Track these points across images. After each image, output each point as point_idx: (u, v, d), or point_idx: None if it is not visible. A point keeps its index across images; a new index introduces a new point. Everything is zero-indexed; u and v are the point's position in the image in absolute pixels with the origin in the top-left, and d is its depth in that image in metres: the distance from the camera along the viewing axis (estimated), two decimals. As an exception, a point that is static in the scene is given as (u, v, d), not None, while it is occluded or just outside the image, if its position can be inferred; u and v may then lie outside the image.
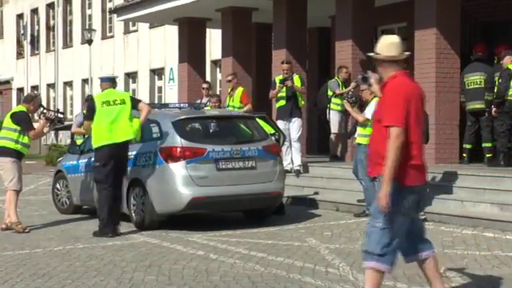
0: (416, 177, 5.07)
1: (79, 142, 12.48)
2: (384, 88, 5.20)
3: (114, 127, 9.48)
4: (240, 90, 13.94)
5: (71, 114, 33.00)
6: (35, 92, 21.87)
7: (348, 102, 10.85)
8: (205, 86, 15.04)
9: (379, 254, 5.09)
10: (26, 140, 10.04)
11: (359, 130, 10.44)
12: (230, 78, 14.45)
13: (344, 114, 13.92)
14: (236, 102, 13.78)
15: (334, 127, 13.82)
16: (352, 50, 14.30)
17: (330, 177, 12.85)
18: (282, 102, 13.22)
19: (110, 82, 10.10)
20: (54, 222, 10.82)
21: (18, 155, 10.04)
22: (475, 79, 12.56)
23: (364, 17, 14.35)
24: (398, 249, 5.22)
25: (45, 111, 10.51)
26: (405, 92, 5.03)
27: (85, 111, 10.70)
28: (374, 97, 10.34)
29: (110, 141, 9.45)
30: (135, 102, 9.84)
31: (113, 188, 9.51)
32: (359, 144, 10.37)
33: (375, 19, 14.98)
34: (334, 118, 13.77)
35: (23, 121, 10.03)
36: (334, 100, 13.78)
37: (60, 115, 10.78)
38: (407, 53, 5.28)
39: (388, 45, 5.25)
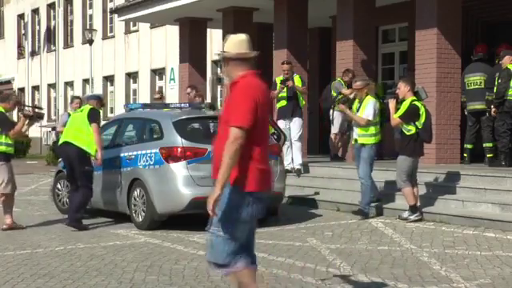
0: (261, 182, 4.77)
1: None
2: (232, 87, 4.84)
3: (66, 129, 10.63)
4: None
5: (72, 114, 33.02)
6: (11, 90, 21.82)
7: (343, 104, 10.94)
8: (188, 90, 14.95)
9: (223, 263, 4.79)
10: (8, 140, 10.05)
11: (360, 130, 10.41)
12: (188, 90, 14.48)
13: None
14: None
15: (336, 127, 13.83)
16: (353, 50, 14.30)
17: (330, 177, 12.85)
18: (283, 102, 13.23)
19: (90, 100, 10.84)
20: (54, 222, 10.82)
21: (4, 157, 10.01)
22: (475, 79, 12.56)
23: (365, 17, 14.35)
24: (247, 250, 4.89)
25: (23, 108, 10.53)
26: (253, 93, 4.72)
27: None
28: (366, 95, 10.38)
29: (62, 139, 10.55)
30: (90, 117, 10.32)
31: (71, 186, 10.66)
32: (363, 144, 10.38)
33: (376, 19, 14.98)
34: (337, 118, 13.78)
35: (1, 121, 10.03)
36: (338, 101, 13.77)
37: (40, 111, 10.81)
38: (255, 52, 4.92)
39: (237, 42, 4.87)
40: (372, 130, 10.40)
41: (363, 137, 10.38)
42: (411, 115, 9.93)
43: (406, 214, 10.08)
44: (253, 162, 4.70)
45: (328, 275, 6.82)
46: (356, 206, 11.19)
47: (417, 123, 9.92)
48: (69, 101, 33.23)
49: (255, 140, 4.71)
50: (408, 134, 9.99)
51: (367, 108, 10.33)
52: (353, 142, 10.87)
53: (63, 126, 12.90)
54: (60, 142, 10.76)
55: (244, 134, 4.61)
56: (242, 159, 4.64)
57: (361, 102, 10.48)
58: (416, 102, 9.94)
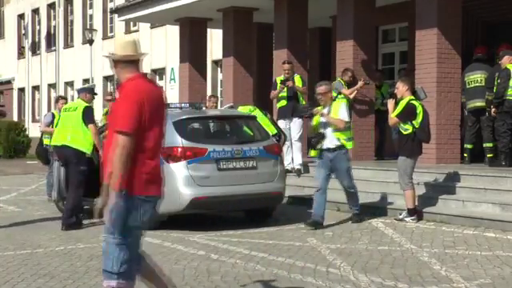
0: (149, 186, 4.70)
1: (47, 141, 13.07)
2: (119, 90, 4.77)
3: (59, 131, 10.47)
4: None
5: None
6: None
7: (313, 115, 9.99)
8: (108, 97, 15.02)
9: (119, 272, 4.66)
10: None
11: (339, 135, 9.74)
12: (109, 97, 14.48)
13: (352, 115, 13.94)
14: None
15: None
16: (353, 50, 14.29)
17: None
18: (283, 102, 13.24)
19: (81, 93, 10.78)
20: (55, 222, 10.82)
21: None
22: (476, 77, 12.57)
23: (365, 17, 14.35)
24: (136, 261, 4.81)
25: None
26: (138, 96, 4.64)
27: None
28: (335, 98, 10.03)
29: (54, 142, 10.53)
30: (85, 116, 10.32)
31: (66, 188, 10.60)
32: (340, 150, 9.75)
33: (376, 19, 14.98)
34: None
35: None
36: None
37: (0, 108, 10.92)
38: (142, 54, 4.88)
39: (123, 44, 4.84)
40: (349, 133, 9.95)
41: (343, 141, 9.76)
42: (408, 114, 9.91)
43: (402, 216, 10.09)
44: (140, 165, 4.63)
45: (328, 275, 6.82)
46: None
47: (414, 122, 9.90)
48: (70, 101, 33.36)
49: (143, 143, 4.64)
50: (405, 133, 9.98)
51: (341, 110, 9.77)
52: (312, 154, 10.11)
53: (47, 126, 13.11)
54: (54, 143, 10.56)
55: (129, 139, 4.55)
56: (130, 164, 4.58)
57: (328, 107, 9.80)
58: (413, 102, 9.93)
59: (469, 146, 12.83)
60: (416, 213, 10.04)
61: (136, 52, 4.83)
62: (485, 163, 12.32)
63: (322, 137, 9.68)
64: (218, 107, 14.05)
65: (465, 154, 12.84)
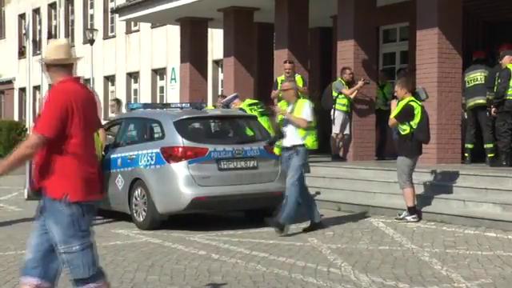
0: (87, 191, 4.54)
1: None
2: (48, 92, 4.64)
3: None
4: None
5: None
6: None
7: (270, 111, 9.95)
8: (112, 103, 14.66)
9: (91, 275, 4.63)
10: None
11: (303, 134, 9.32)
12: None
13: (348, 114, 13.95)
14: None
15: (337, 127, 13.83)
16: (354, 50, 14.30)
17: (331, 177, 12.85)
18: (284, 103, 13.20)
19: None
20: (55, 222, 10.82)
21: None
22: (475, 76, 12.58)
23: (366, 17, 14.35)
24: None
25: None
26: (65, 99, 4.49)
27: None
28: (298, 98, 9.70)
29: None
30: None
31: None
32: (298, 148, 9.31)
33: (377, 19, 14.98)
34: (338, 118, 13.78)
35: None
36: (339, 101, 13.78)
37: None
38: (75, 57, 4.77)
39: (55, 48, 4.73)
40: (312, 133, 9.45)
41: (304, 141, 9.29)
42: (406, 115, 9.95)
43: (403, 215, 10.09)
44: (76, 171, 4.52)
45: (329, 275, 6.82)
46: (357, 206, 11.20)
47: (411, 123, 9.93)
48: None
49: (76, 148, 4.52)
50: (403, 133, 10.03)
51: (304, 110, 9.35)
52: (275, 152, 9.76)
53: None
54: None
55: (41, 142, 4.43)
56: (64, 169, 4.48)
57: (292, 105, 9.52)
58: (412, 103, 9.95)
59: (469, 146, 12.83)
60: (416, 211, 10.05)
61: (69, 56, 4.72)
62: (486, 163, 12.32)
63: (281, 135, 9.43)
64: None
65: (466, 154, 12.84)
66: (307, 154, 9.37)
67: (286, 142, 9.37)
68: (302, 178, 9.30)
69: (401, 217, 10.07)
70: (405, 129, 9.99)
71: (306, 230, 9.51)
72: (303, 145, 9.28)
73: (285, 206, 9.23)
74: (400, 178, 10.07)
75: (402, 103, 10.00)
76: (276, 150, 9.78)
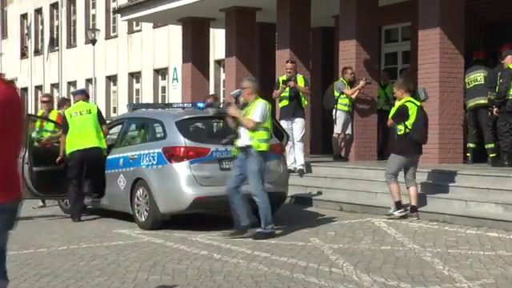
0: (4, 193, 4.20)
1: None
2: None
3: (82, 135, 10.89)
4: (54, 112, 13.10)
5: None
6: None
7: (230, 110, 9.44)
8: (45, 99, 13.96)
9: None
10: None
11: (254, 135, 9.08)
12: (45, 99, 13.82)
13: (350, 114, 13.95)
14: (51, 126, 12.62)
15: (338, 127, 13.83)
16: (356, 50, 14.29)
17: (333, 176, 12.84)
18: (285, 102, 13.23)
19: (81, 94, 11.61)
20: (57, 222, 10.84)
21: None
22: (475, 76, 12.58)
23: (368, 16, 14.34)
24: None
25: None
26: None
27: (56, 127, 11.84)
28: (256, 98, 9.28)
29: (79, 147, 10.85)
30: (100, 118, 11.23)
31: (79, 186, 10.88)
32: (249, 150, 9.07)
33: (379, 19, 14.98)
34: (340, 118, 13.78)
35: None
36: (340, 100, 13.78)
37: None
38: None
39: None
40: (263, 135, 9.17)
41: (255, 142, 9.07)
42: (400, 115, 10.11)
43: (391, 210, 10.23)
44: None
45: (331, 275, 6.82)
46: (359, 206, 11.19)
47: (406, 123, 10.04)
48: (72, 101, 33.41)
49: None
50: (399, 133, 10.21)
51: (256, 110, 9.12)
52: (233, 153, 9.41)
53: None
54: (83, 146, 10.87)
55: None
56: None
57: (250, 104, 9.32)
58: (407, 103, 10.05)
59: (472, 146, 12.82)
60: (403, 206, 10.17)
61: None
62: (487, 163, 12.31)
63: (236, 135, 9.27)
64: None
65: (468, 154, 12.83)
66: (261, 157, 9.08)
67: (240, 142, 9.20)
68: (259, 182, 9.07)
69: (390, 212, 10.22)
70: (400, 129, 10.12)
71: (233, 235, 9.14)
72: (256, 147, 9.03)
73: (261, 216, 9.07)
74: (386, 173, 10.23)
75: (398, 104, 10.13)
76: (233, 152, 9.43)
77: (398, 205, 10.16)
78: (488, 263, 7.28)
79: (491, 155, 12.35)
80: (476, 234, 8.94)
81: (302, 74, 13.74)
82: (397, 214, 10.13)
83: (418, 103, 10.19)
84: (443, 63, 12.53)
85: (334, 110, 13.83)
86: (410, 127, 10.03)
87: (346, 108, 13.80)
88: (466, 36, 13.13)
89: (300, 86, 13.12)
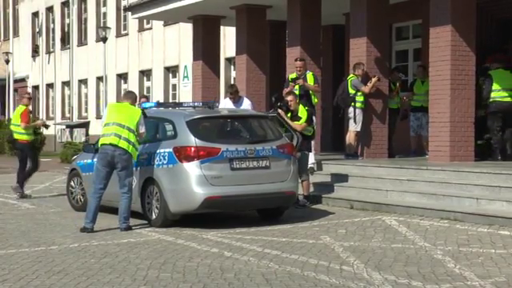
0: None
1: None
2: None
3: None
4: (22, 107, 14.04)
5: (86, 111, 33.17)
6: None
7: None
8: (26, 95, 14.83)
9: None
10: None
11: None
12: (26, 95, 14.31)
13: (367, 112, 13.93)
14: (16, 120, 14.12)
15: (358, 125, 13.77)
16: (366, 48, 14.25)
17: (344, 174, 12.82)
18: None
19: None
20: (68, 219, 10.88)
21: None
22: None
23: (378, 14, 14.30)
24: None
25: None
26: None
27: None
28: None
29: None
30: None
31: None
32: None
33: (390, 16, 14.93)
34: (359, 116, 13.75)
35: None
36: (358, 98, 13.74)
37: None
38: None
39: None
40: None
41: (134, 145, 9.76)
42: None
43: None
44: None
45: (342, 273, 6.81)
46: (370, 204, 11.17)
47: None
48: (83, 99, 33.50)
49: None
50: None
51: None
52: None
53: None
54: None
55: None
56: None
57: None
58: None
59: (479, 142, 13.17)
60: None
61: None
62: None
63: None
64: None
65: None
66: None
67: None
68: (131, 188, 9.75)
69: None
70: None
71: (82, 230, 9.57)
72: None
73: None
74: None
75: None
76: None
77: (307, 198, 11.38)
78: (499, 261, 7.26)
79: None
80: (487, 232, 8.92)
81: (312, 71, 13.71)
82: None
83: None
84: (454, 60, 12.49)
85: (352, 108, 13.78)
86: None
87: (363, 106, 13.78)
88: (478, 33, 13.07)
89: (309, 84, 13.10)
